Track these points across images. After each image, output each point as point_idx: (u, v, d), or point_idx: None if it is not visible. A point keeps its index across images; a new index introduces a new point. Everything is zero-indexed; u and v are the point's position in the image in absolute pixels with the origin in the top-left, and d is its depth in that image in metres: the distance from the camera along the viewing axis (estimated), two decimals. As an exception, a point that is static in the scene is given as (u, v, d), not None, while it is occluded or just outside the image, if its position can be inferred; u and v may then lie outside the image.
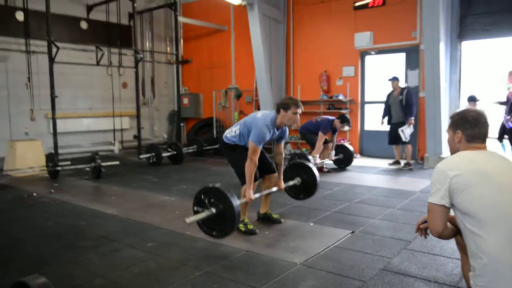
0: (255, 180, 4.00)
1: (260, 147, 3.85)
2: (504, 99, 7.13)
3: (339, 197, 5.48)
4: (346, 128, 7.75)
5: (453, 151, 2.29)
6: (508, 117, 6.88)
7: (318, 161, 7.12)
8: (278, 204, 4.99)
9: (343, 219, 4.48)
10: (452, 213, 2.14)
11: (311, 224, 4.32)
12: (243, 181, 4.00)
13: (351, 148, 7.90)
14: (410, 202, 5.16)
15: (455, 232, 2.20)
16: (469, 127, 2.15)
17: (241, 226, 4.06)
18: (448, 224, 2.17)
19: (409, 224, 4.21)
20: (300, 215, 4.63)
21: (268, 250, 3.58)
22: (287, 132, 4.24)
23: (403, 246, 3.59)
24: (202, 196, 3.54)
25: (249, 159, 3.82)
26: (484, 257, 1.94)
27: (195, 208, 3.58)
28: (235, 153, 4.11)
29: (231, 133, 4.15)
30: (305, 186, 4.63)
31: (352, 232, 4.01)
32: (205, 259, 3.40)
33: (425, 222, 2.28)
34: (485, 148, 2.17)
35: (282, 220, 4.43)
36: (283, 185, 4.32)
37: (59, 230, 4.31)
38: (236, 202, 3.42)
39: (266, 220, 4.44)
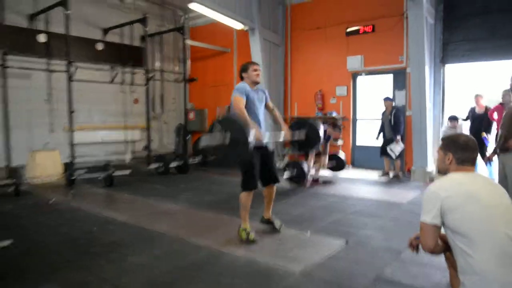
0: (255, 188, 3.92)
1: (244, 98, 3.79)
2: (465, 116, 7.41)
3: (333, 209, 5.36)
4: (339, 141, 7.69)
5: (442, 170, 2.23)
6: (486, 134, 6.87)
7: (313, 172, 7.06)
8: (279, 213, 4.85)
9: (338, 229, 4.37)
10: (443, 230, 2.07)
11: (309, 233, 4.21)
12: (243, 187, 3.92)
13: (343, 156, 7.91)
14: (400, 213, 5.07)
15: (445, 248, 2.12)
16: (460, 151, 2.10)
17: (242, 233, 3.96)
18: (439, 240, 2.09)
19: (399, 234, 4.12)
20: (298, 225, 4.51)
21: (267, 259, 3.46)
22: (267, 92, 4.22)
23: (395, 256, 3.50)
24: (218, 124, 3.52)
25: (236, 109, 3.77)
26: (474, 274, 1.86)
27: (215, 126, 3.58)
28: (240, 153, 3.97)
29: None
30: (308, 138, 4.57)
31: (347, 242, 3.91)
32: (208, 267, 3.30)
33: (417, 238, 2.20)
34: (473, 170, 2.12)
35: (283, 224, 4.31)
36: (290, 134, 4.26)
37: (74, 235, 4.21)
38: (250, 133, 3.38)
39: (269, 224, 4.31)
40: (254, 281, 3.03)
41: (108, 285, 2.97)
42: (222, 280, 3.03)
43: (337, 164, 7.78)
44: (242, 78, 4.07)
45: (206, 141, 3.43)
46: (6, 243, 3.29)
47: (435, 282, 2.94)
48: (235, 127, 3.47)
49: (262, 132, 3.85)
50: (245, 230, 3.96)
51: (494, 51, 7.22)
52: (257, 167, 3.95)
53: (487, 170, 4.38)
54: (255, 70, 3.99)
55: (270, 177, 4.13)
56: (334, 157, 7.83)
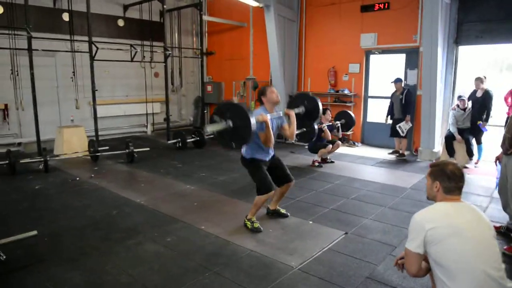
0: (271, 190, 3.96)
1: (269, 118, 3.78)
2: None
3: (337, 192, 5.41)
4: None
5: (430, 196, 2.22)
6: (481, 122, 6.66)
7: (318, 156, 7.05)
8: (285, 196, 4.93)
9: (339, 217, 4.43)
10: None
11: (310, 222, 4.29)
12: (260, 193, 3.97)
13: (351, 113, 7.77)
14: (401, 200, 5.06)
15: (429, 270, 2.14)
16: (447, 180, 2.07)
17: (248, 223, 4.08)
18: (423, 263, 2.11)
19: (397, 226, 4.16)
20: (302, 211, 4.59)
21: (269, 250, 3.57)
22: (284, 118, 4.21)
23: (389, 252, 3.55)
24: (221, 110, 3.55)
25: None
26: None
27: (214, 117, 3.58)
28: (251, 167, 4.04)
29: (242, 148, 4.11)
30: (309, 112, 4.56)
31: (346, 233, 3.98)
32: (214, 258, 3.43)
33: (403, 258, 2.22)
34: (459, 199, 2.09)
35: (289, 214, 4.43)
36: (292, 111, 4.24)
37: (97, 218, 4.41)
38: (253, 118, 3.42)
39: (274, 215, 4.43)
40: (255, 274, 3.15)
41: (124, 275, 3.14)
42: (226, 273, 3.16)
43: (346, 123, 7.66)
44: (261, 102, 4.05)
45: (211, 127, 3.45)
46: (31, 233, 3.48)
47: (423, 284, 2.97)
48: (237, 112, 3.46)
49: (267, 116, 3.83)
50: (250, 220, 4.06)
51: (509, 33, 6.78)
52: (264, 169, 4.01)
53: (496, 169, 4.27)
54: (273, 92, 4.00)
55: (285, 177, 4.21)
56: (343, 114, 7.71)
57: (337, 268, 3.24)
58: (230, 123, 3.45)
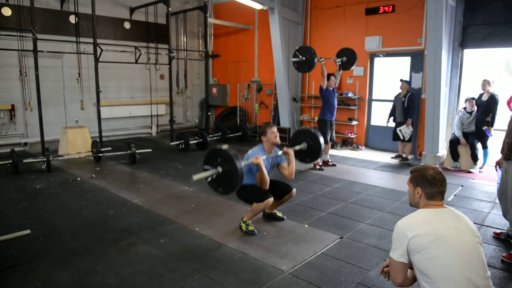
0: (268, 197, 3.91)
1: (263, 162, 3.78)
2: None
3: (336, 196, 5.32)
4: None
5: (412, 203, 2.16)
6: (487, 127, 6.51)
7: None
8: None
9: (336, 221, 4.35)
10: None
11: (306, 225, 4.22)
12: (254, 201, 3.94)
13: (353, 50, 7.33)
14: (400, 205, 4.95)
15: (415, 278, 2.06)
16: (428, 186, 2.00)
17: (243, 225, 4.03)
18: (409, 272, 2.04)
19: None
20: (298, 215, 4.53)
21: (261, 254, 3.51)
22: (282, 157, 4.18)
23: (383, 257, 3.46)
24: (210, 157, 3.53)
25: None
26: None
27: (204, 166, 3.58)
28: (245, 191, 3.99)
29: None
30: (311, 150, 4.51)
31: (341, 237, 3.90)
32: (205, 260, 3.39)
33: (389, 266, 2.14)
34: (442, 205, 2.02)
35: (285, 217, 4.37)
36: (290, 149, 4.20)
37: (93, 219, 4.40)
38: (240, 164, 3.38)
39: (270, 218, 4.38)
40: (244, 277, 3.09)
41: (113, 275, 3.11)
42: (215, 275, 3.11)
43: (348, 60, 7.23)
44: (260, 141, 4.08)
45: (197, 176, 3.42)
46: (24, 232, 3.47)
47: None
48: (226, 157, 3.43)
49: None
50: (245, 223, 4.01)
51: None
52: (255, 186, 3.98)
53: (497, 174, 4.15)
54: (273, 132, 4.01)
55: (285, 188, 4.18)
56: (343, 51, 7.28)
57: (328, 273, 3.17)
58: (220, 169, 3.42)
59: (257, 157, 3.76)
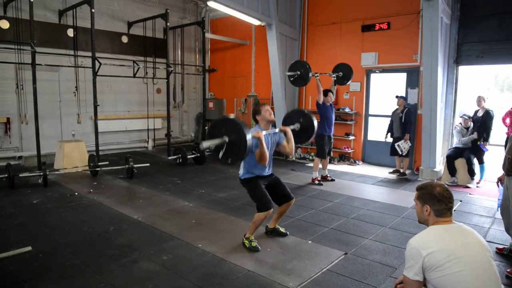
0: (270, 208, 3.91)
1: (264, 134, 3.74)
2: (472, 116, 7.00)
3: (337, 211, 5.32)
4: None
5: (421, 220, 2.18)
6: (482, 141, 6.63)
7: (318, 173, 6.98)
8: (283, 217, 4.87)
9: (339, 237, 4.35)
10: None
11: (309, 241, 4.20)
12: (259, 210, 3.92)
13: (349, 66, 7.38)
14: (402, 220, 4.97)
15: None
16: (437, 203, 2.03)
17: (246, 242, 4.00)
18: (423, 288, 2.04)
19: (397, 247, 4.07)
20: (301, 231, 4.51)
21: (266, 270, 3.48)
22: (281, 135, 4.16)
23: (389, 273, 3.46)
24: (218, 126, 3.46)
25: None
26: None
27: (211, 133, 3.50)
28: (250, 186, 4.00)
29: (240, 169, 4.10)
30: (304, 129, 4.43)
31: (345, 253, 3.89)
32: (210, 278, 3.34)
33: (401, 283, 2.15)
34: (451, 221, 2.04)
35: (288, 233, 4.35)
36: (287, 127, 4.16)
37: (93, 235, 4.33)
38: (248, 130, 3.31)
39: (273, 233, 4.36)
40: (251, 295, 3.06)
41: (117, 294, 3.06)
42: (221, 293, 3.08)
43: (344, 75, 7.22)
44: (256, 121, 4.03)
45: (206, 143, 3.39)
46: (25, 249, 3.41)
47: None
48: (233, 127, 3.40)
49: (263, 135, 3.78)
50: (248, 239, 3.99)
51: (510, 54, 6.81)
52: (262, 187, 3.96)
53: (499, 190, 4.21)
54: (267, 110, 3.98)
55: (285, 196, 4.15)
56: (340, 67, 7.33)
57: (335, 290, 3.15)
58: (226, 138, 3.40)
59: (258, 131, 3.71)
